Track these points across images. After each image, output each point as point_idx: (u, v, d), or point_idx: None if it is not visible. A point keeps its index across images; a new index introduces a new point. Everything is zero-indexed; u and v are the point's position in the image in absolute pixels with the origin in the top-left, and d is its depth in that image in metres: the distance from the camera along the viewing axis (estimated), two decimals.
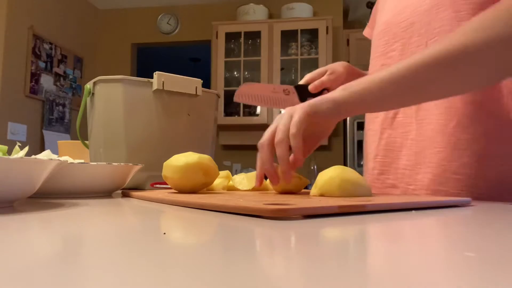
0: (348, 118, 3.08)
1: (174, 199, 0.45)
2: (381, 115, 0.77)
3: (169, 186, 0.61)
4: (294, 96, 0.77)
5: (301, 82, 0.81)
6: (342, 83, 0.71)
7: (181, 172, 0.55)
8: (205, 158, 0.57)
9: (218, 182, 0.66)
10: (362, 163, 2.82)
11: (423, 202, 0.43)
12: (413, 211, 0.40)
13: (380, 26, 0.81)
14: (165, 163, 0.57)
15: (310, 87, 0.78)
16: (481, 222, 0.34)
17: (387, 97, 0.55)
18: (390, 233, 0.28)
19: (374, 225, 0.30)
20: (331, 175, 0.50)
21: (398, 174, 0.73)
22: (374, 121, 0.80)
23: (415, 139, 0.70)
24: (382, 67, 0.77)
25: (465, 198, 0.49)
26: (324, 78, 0.79)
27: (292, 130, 0.53)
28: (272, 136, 0.55)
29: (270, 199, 0.40)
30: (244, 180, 0.66)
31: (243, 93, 0.74)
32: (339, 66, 0.83)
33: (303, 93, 0.78)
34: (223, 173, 0.69)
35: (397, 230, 0.29)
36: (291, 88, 0.78)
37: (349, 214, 0.36)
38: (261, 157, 0.56)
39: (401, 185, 0.72)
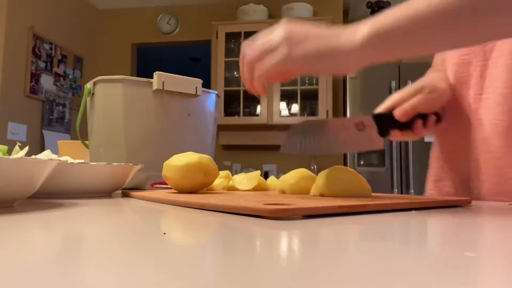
0: (348, 118, 3.08)
1: (174, 199, 0.45)
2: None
3: (169, 186, 0.61)
4: (372, 130, 0.54)
5: (381, 108, 0.59)
6: (446, 105, 0.60)
7: (181, 172, 0.55)
8: (205, 158, 0.57)
9: (218, 182, 0.66)
10: (362, 163, 2.82)
11: (423, 202, 0.43)
12: (413, 211, 0.40)
13: None
14: (165, 163, 0.57)
15: (396, 114, 0.54)
16: (481, 222, 0.34)
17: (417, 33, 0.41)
18: (390, 233, 0.28)
19: (373, 225, 0.30)
20: (331, 175, 0.50)
21: (455, 180, 0.66)
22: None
23: (472, 142, 0.61)
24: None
25: (465, 198, 0.49)
26: (416, 100, 0.55)
27: (266, 72, 0.47)
28: (260, 56, 0.48)
29: (270, 199, 0.40)
30: (244, 180, 0.66)
31: (292, 142, 0.54)
32: (440, 81, 0.63)
33: (386, 124, 0.55)
34: (223, 173, 0.69)
35: (397, 230, 0.29)
36: (367, 119, 0.54)
37: (349, 214, 0.36)
38: (243, 73, 0.52)
39: (458, 193, 0.65)
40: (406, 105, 0.55)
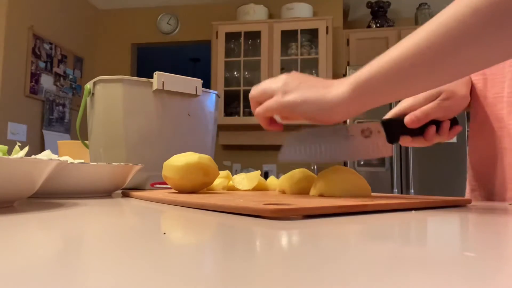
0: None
1: (174, 199, 0.45)
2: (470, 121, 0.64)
3: (169, 186, 0.61)
4: (379, 137, 0.51)
5: (391, 113, 0.56)
6: (463, 111, 0.58)
7: (181, 172, 0.55)
8: (205, 158, 0.57)
9: (218, 182, 0.66)
10: (362, 163, 2.82)
11: (423, 202, 0.43)
12: (413, 211, 0.40)
13: None
14: (165, 163, 0.57)
15: (406, 120, 0.51)
16: (481, 222, 0.34)
17: (396, 80, 0.42)
18: (390, 233, 0.28)
19: (373, 225, 0.30)
20: (330, 175, 0.50)
21: (488, 191, 0.62)
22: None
23: (508, 148, 0.58)
24: None
25: (465, 198, 0.49)
26: (429, 106, 0.52)
27: (266, 111, 0.51)
28: (260, 97, 0.52)
29: (270, 200, 0.40)
30: (244, 180, 0.66)
31: (291, 149, 0.53)
32: (462, 86, 0.59)
33: (395, 130, 0.52)
34: (223, 173, 0.69)
35: (397, 230, 0.29)
36: (374, 126, 0.51)
37: (348, 214, 0.36)
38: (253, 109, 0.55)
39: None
40: (418, 112, 0.51)
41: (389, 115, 0.56)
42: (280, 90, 0.49)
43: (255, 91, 0.53)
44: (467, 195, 0.68)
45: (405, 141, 0.52)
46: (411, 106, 0.54)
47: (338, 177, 0.50)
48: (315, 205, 0.34)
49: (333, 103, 0.45)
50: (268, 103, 0.51)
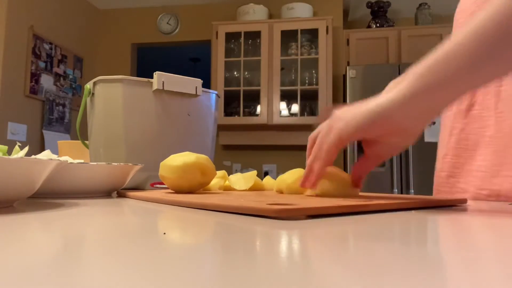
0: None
1: (171, 199, 0.45)
2: (452, 107, 0.65)
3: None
4: None
5: None
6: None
7: (179, 172, 0.55)
8: (203, 158, 0.57)
9: (215, 182, 0.66)
10: None
11: (422, 202, 0.43)
12: (413, 211, 0.40)
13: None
14: (162, 163, 0.57)
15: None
16: (481, 222, 0.34)
17: (456, 77, 0.39)
18: (391, 233, 0.28)
19: (373, 225, 0.30)
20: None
21: (470, 177, 0.62)
22: (444, 115, 0.68)
23: (494, 136, 0.59)
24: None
25: (461, 197, 0.49)
26: None
27: (320, 156, 0.48)
28: (311, 144, 0.51)
29: (271, 199, 0.40)
30: (241, 180, 0.66)
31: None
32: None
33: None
34: (220, 173, 0.69)
35: (396, 230, 0.29)
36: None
37: (348, 214, 0.36)
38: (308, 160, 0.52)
39: (471, 189, 0.62)
40: None
41: None
42: (333, 123, 0.47)
43: (309, 141, 0.51)
44: (441, 179, 0.68)
45: None
46: None
47: (328, 175, 0.50)
48: (318, 205, 0.34)
49: (383, 107, 0.42)
50: (327, 140, 0.47)
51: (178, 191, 0.57)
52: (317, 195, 0.50)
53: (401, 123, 0.43)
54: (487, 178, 0.59)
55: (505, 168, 0.57)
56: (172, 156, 0.57)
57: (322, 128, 0.49)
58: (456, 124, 0.65)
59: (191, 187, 0.56)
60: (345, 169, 3.03)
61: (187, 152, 0.58)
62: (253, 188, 0.67)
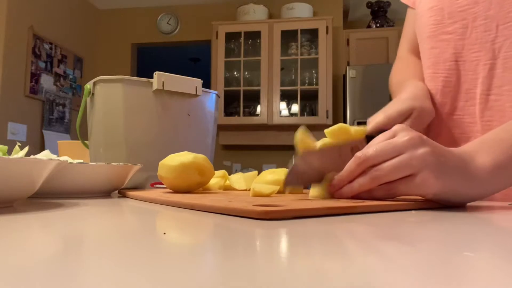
0: (348, 118, 3.08)
1: (166, 199, 0.45)
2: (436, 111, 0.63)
3: None
4: None
5: (370, 129, 0.54)
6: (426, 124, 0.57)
7: (176, 171, 0.55)
8: (200, 157, 0.57)
9: (215, 181, 0.66)
10: None
11: (415, 203, 0.43)
12: (413, 211, 0.39)
13: (428, 2, 0.65)
14: (160, 163, 0.57)
15: None
16: (481, 221, 0.34)
17: None
18: (387, 234, 0.27)
19: (369, 226, 0.30)
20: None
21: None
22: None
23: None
24: (431, 50, 0.65)
25: None
26: (407, 124, 0.55)
27: (384, 175, 0.41)
28: (390, 171, 0.41)
29: (262, 200, 0.40)
30: (241, 180, 0.66)
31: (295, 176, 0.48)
32: (426, 98, 0.61)
33: None
34: (219, 172, 0.69)
35: (395, 230, 0.29)
36: (361, 142, 0.50)
37: (345, 214, 0.36)
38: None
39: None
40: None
41: (369, 131, 0.53)
42: (423, 156, 0.39)
43: (386, 167, 0.41)
44: None
45: None
46: (387, 121, 0.54)
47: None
48: (306, 206, 0.34)
49: (482, 180, 0.42)
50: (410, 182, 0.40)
51: (176, 190, 0.57)
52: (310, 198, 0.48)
53: (475, 197, 0.43)
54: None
55: None
56: (170, 156, 0.58)
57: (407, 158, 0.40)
58: (441, 128, 0.65)
59: (189, 186, 0.56)
60: None
61: (185, 152, 0.58)
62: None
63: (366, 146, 0.44)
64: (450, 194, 0.41)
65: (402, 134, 0.42)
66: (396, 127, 0.44)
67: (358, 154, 0.43)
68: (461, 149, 0.44)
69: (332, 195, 0.46)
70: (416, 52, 0.76)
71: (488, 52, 0.58)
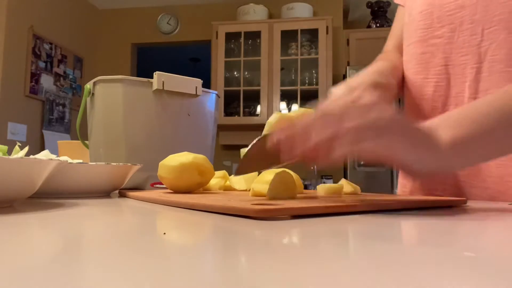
0: None
1: (166, 200, 0.45)
2: (427, 113, 0.63)
3: None
4: None
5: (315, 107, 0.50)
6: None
7: (176, 172, 0.55)
8: (200, 158, 0.57)
9: (215, 182, 0.66)
10: (362, 163, 2.82)
11: (415, 202, 0.43)
12: (413, 211, 0.39)
13: (419, 6, 0.66)
14: (160, 163, 0.57)
15: None
16: (480, 221, 0.34)
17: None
18: (386, 233, 0.27)
19: (368, 225, 0.30)
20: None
21: (446, 185, 0.62)
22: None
23: None
24: (422, 55, 0.65)
25: (461, 198, 0.48)
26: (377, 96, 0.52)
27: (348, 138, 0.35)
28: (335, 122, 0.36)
29: (261, 199, 0.40)
30: (241, 180, 0.66)
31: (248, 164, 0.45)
32: (389, 76, 0.63)
33: None
34: (220, 173, 0.69)
35: (395, 230, 0.29)
36: None
37: (343, 214, 0.36)
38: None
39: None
40: None
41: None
42: (381, 116, 0.37)
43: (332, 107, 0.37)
44: (418, 190, 0.67)
45: None
46: (346, 93, 0.51)
47: (279, 177, 0.45)
48: (303, 205, 0.34)
49: (433, 153, 0.41)
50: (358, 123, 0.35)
51: (176, 191, 0.57)
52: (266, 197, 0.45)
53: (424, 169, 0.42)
54: (466, 188, 0.60)
55: (479, 180, 0.58)
56: (170, 156, 0.58)
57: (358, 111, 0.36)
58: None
59: (189, 187, 0.56)
60: (344, 169, 3.03)
61: (185, 152, 0.58)
62: None
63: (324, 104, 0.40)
64: (412, 160, 0.40)
65: (367, 98, 0.39)
66: (358, 93, 0.44)
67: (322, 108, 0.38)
68: (427, 122, 0.45)
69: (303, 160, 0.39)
70: (401, 49, 0.76)
71: (475, 56, 0.58)
